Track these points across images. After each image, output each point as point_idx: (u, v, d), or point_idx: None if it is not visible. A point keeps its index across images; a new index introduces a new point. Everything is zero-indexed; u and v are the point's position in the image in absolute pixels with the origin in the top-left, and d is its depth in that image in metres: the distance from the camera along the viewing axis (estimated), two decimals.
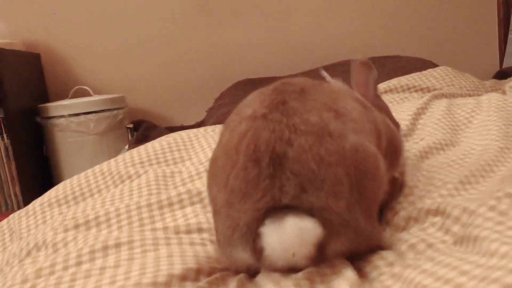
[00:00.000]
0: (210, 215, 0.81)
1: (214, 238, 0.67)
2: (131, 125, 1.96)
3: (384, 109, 0.87)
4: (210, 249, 0.72)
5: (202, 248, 0.74)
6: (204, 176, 1.09)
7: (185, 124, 2.13)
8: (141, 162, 1.19)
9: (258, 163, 0.56)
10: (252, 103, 0.65)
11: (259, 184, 0.55)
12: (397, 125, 0.91)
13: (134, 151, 1.25)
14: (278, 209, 0.55)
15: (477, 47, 2.44)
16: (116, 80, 2.20)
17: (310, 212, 0.55)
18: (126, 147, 1.85)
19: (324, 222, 0.55)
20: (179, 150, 1.24)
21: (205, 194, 0.94)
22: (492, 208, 0.60)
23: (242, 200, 0.56)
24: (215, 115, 1.77)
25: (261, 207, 0.55)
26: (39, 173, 1.98)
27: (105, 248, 0.73)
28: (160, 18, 2.26)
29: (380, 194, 0.64)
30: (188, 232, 0.81)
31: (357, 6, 2.36)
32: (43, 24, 2.18)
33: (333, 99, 0.64)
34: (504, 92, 1.66)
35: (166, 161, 1.20)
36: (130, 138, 1.97)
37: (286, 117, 0.59)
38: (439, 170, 0.88)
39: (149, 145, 1.27)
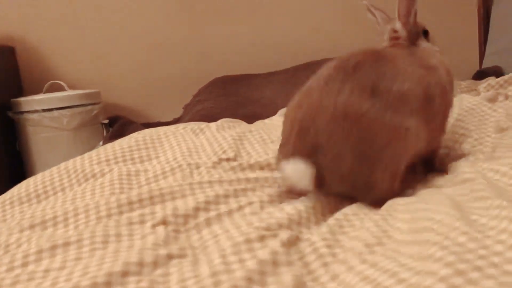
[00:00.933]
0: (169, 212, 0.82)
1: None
2: (106, 121, 1.94)
3: (426, 52, 0.97)
4: (161, 235, 0.74)
5: (154, 237, 0.73)
6: (170, 175, 1.08)
7: (163, 120, 2.11)
8: (107, 160, 1.17)
9: (292, 128, 0.83)
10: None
11: (290, 140, 0.83)
12: (447, 71, 0.96)
13: (101, 148, 1.23)
14: (298, 157, 0.81)
15: (457, 47, 2.45)
16: (92, 75, 2.17)
17: (316, 165, 0.80)
18: (101, 143, 1.83)
19: (324, 175, 0.80)
20: (147, 148, 1.22)
21: (167, 193, 0.93)
22: None
23: (283, 145, 0.86)
24: (191, 112, 1.75)
25: (288, 153, 0.83)
26: (11, 169, 1.94)
27: (54, 247, 0.72)
28: (139, 12, 2.23)
29: (401, 155, 0.80)
30: (142, 226, 0.80)
31: (338, 5, 2.35)
32: (18, 17, 2.13)
33: (378, 76, 0.80)
34: (478, 93, 1.66)
35: (132, 159, 1.18)
36: (105, 134, 1.94)
37: (321, 98, 0.80)
38: None
39: (116, 143, 1.25)
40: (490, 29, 2.35)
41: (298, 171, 0.81)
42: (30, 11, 2.16)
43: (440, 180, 0.87)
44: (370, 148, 0.78)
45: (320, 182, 0.81)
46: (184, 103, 2.02)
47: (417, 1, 0.97)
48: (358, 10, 2.51)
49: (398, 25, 0.99)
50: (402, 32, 0.98)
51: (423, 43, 0.99)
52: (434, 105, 0.87)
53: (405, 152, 0.80)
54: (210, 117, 1.64)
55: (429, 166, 1.00)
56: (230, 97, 1.79)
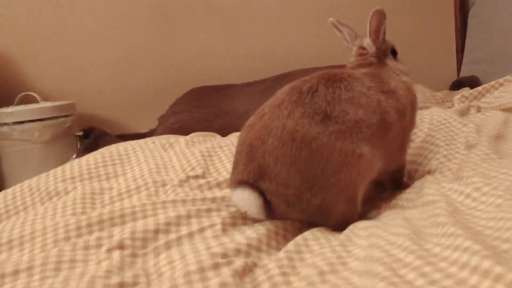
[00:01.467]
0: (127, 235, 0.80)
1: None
2: (80, 133, 1.90)
3: (392, 70, 0.97)
4: (116, 261, 0.71)
5: (108, 262, 0.71)
6: (135, 193, 1.06)
7: (140, 131, 2.08)
8: (73, 178, 1.14)
9: (242, 150, 0.82)
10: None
11: (240, 162, 0.82)
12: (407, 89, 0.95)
13: (67, 165, 1.20)
14: (246, 183, 0.80)
15: (435, 56, 2.46)
16: (67, 86, 2.13)
17: (263, 191, 0.79)
18: (74, 156, 1.79)
19: (272, 200, 0.79)
20: (114, 164, 1.19)
21: (128, 214, 0.90)
22: None
23: (234, 167, 0.85)
24: (164, 124, 1.73)
25: (237, 179, 0.82)
26: None
27: (2, 276, 0.69)
28: (114, 22, 2.19)
29: (355, 180, 0.79)
30: (98, 250, 0.77)
31: (315, 15, 2.35)
32: None
33: (332, 101, 0.79)
34: (453, 104, 1.67)
35: (98, 176, 1.15)
36: (79, 147, 1.91)
37: (272, 121, 0.79)
38: None
39: (83, 158, 1.22)
40: (467, 38, 2.36)
41: (246, 200, 0.79)
42: (2, 21, 2.11)
43: (404, 200, 0.86)
44: (321, 173, 0.76)
45: (270, 210, 0.80)
46: (161, 113, 1.99)
47: (386, 19, 0.97)
48: (337, 17, 2.51)
49: (367, 42, 0.98)
50: (371, 49, 0.97)
51: (390, 62, 0.98)
52: (391, 131, 0.86)
53: (359, 177, 0.79)
54: (183, 129, 1.62)
55: (397, 183, 1.00)
56: (206, 108, 1.77)
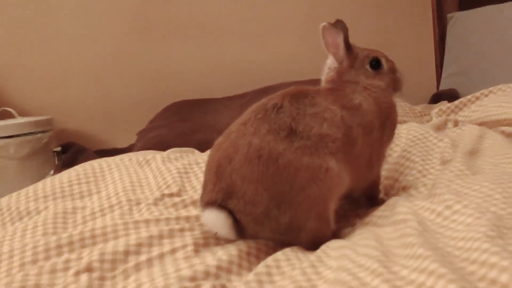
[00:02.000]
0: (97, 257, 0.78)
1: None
2: (58, 149, 1.87)
3: (359, 84, 0.93)
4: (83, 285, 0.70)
5: (75, 287, 0.69)
6: (109, 212, 1.04)
7: (119, 146, 2.06)
8: (45, 196, 1.11)
9: (211, 169, 0.82)
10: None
11: (209, 182, 0.81)
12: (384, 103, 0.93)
13: (40, 183, 1.17)
14: (215, 203, 0.79)
15: (415, 70, 2.48)
16: (45, 100, 2.10)
17: (232, 211, 0.78)
18: (52, 172, 1.76)
19: (241, 219, 0.78)
20: (88, 182, 1.17)
21: (99, 235, 0.88)
22: None
23: (203, 190, 0.84)
24: (143, 139, 1.71)
25: (205, 200, 0.81)
26: None
27: None
28: (93, 36, 2.17)
29: (324, 195, 0.77)
30: (66, 274, 0.75)
31: (293, 29, 2.36)
32: None
33: (297, 117, 0.79)
34: (431, 118, 1.68)
35: (72, 194, 1.13)
36: (57, 163, 1.88)
37: (238, 139, 0.79)
38: None
39: (57, 176, 1.20)
40: (445, 52, 2.39)
41: (215, 221, 0.78)
42: None
43: (378, 218, 0.85)
44: (289, 190, 0.75)
45: (241, 230, 0.79)
46: (141, 128, 1.97)
47: (342, 32, 0.92)
48: (316, 34, 2.53)
49: (330, 58, 0.96)
50: (334, 64, 0.96)
51: (360, 76, 0.95)
52: (357, 146, 0.85)
53: (328, 192, 0.78)
54: (163, 144, 1.60)
55: (371, 199, 0.99)
56: (185, 122, 1.75)
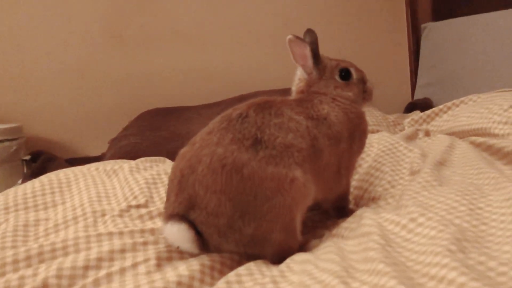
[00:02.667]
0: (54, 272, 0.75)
1: None
2: (28, 157, 1.83)
3: (327, 95, 0.92)
4: None
5: None
6: (73, 225, 1.01)
7: (92, 155, 2.01)
8: (6, 208, 1.08)
9: (174, 179, 0.80)
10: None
11: (172, 192, 0.80)
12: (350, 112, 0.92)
13: (1, 195, 1.13)
14: (177, 215, 0.77)
15: (390, 79, 2.50)
16: (14, 107, 2.05)
17: (194, 223, 0.76)
18: (20, 181, 1.71)
19: (203, 231, 0.76)
20: (53, 193, 1.14)
21: (60, 248, 0.85)
22: None
23: (166, 201, 0.82)
24: (114, 147, 1.68)
25: (168, 212, 0.79)
26: None
27: None
28: (66, 42, 2.13)
29: (290, 206, 0.76)
30: None
31: (269, 38, 2.35)
32: None
33: (262, 127, 0.78)
34: (404, 127, 1.69)
35: (35, 206, 1.09)
36: (25, 171, 1.83)
37: (202, 149, 0.78)
38: None
39: (20, 187, 1.16)
40: (420, 61, 2.42)
41: (176, 235, 0.76)
42: None
43: (345, 230, 0.84)
44: (254, 200, 0.74)
45: (204, 243, 0.77)
46: (114, 136, 1.93)
47: (308, 44, 0.93)
48: None
49: (299, 69, 0.96)
50: (303, 75, 0.96)
51: (329, 87, 0.94)
52: (323, 157, 0.84)
53: (293, 203, 0.76)
54: (134, 154, 1.57)
55: (340, 210, 0.98)
56: (158, 131, 1.73)
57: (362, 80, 1.00)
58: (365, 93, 1.00)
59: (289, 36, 0.91)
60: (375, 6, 2.47)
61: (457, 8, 2.33)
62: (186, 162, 0.78)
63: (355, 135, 0.92)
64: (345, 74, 0.97)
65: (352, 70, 0.98)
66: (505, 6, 2.01)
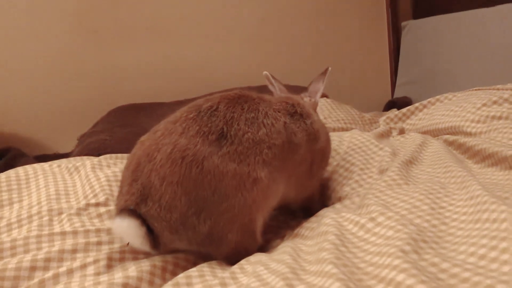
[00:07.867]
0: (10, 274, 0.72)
1: None
2: None
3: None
4: None
5: None
6: (27, 224, 0.97)
7: (62, 151, 1.96)
8: None
9: (129, 166, 0.76)
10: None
11: (125, 181, 0.75)
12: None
13: None
14: (128, 209, 0.72)
15: (370, 78, 2.49)
16: None
17: (145, 217, 0.71)
18: None
19: (154, 227, 0.72)
20: (10, 190, 1.10)
21: (7, 249, 0.81)
22: None
23: (118, 193, 0.77)
24: (82, 143, 1.63)
25: (119, 204, 0.75)
26: None
27: None
28: (35, 35, 2.05)
29: (250, 207, 0.72)
30: None
31: (251, 32, 2.32)
32: None
33: (231, 121, 0.75)
34: (379, 125, 1.67)
35: None
36: None
37: (164, 137, 0.73)
38: None
39: None
40: (400, 59, 2.41)
41: (126, 230, 0.72)
42: None
43: (306, 229, 0.82)
44: (212, 196, 0.70)
45: (155, 239, 0.73)
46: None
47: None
48: (271, 38, 2.51)
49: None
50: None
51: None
52: (300, 151, 0.82)
53: (254, 204, 0.73)
54: (102, 150, 1.53)
55: (308, 211, 0.95)
56: (129, 127, 1.68)
57: None
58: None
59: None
60: (355, 3, 2.45)
61: (438, 6, 2.33)
62: (144, 150, 0.74)
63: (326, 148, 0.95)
64: None
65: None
66: (485, 4, 2.00)
